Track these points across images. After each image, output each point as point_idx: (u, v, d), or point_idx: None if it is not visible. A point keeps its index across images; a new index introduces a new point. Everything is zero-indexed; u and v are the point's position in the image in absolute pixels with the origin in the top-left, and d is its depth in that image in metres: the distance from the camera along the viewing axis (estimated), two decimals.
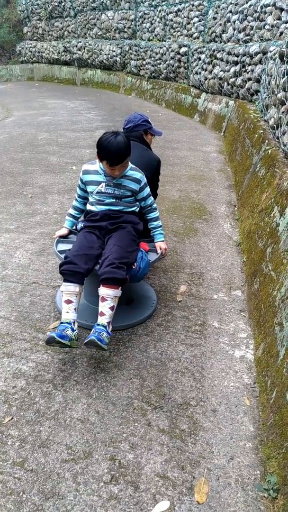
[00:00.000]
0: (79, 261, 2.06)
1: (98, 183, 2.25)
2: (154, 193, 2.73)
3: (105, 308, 2.04)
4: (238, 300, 2.67)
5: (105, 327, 2.01)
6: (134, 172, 2.26)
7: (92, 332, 1.98)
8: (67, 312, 2.05)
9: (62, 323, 2.03)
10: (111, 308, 2.05)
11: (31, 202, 4.13)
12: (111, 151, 2.06)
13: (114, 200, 2.26)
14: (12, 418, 1.77)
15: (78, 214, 2.48)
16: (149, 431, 1.73)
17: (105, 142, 2.07)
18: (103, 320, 2.03)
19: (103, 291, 2.03)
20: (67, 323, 2.02)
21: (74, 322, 2.05)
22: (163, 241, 2.44)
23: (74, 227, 2.51)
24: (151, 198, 2.39)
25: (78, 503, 1.45)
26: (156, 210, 2.44)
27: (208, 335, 2.34)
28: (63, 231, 2.47)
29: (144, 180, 2.30)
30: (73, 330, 2.02)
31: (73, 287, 2.05)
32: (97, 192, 2.25)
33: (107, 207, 2.27)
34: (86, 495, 1.48)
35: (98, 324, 2.01)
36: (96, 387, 1.94)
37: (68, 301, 2.06)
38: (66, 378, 1.99)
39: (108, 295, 2.03)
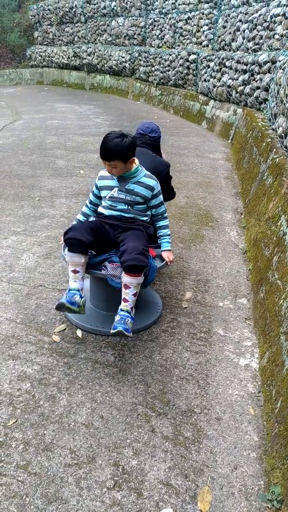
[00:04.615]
0: (83, 231, 2.12)
1: (111, 188, 2.28)
2: (170, 194, 2.85)
3: (129, 295, 2.11)
4: (243, 308, 2.67)
5: (129, 312, 2.10)
6: (147, 179, 2.27)
7: (117, 319, 2.06)
8: (75, 281, 2.16)
9: (70, 290, 2.13)
10: (134, 294, 2.12)
11: (38, 205, 4.16)
12: (101, 144, 2.15)
13: (125, 207, 2.28)
14: (16, 421, 1.77)
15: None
16: (153, 437, 1.73)
17: (106, 136, 2.15)
18: (127, 306, 2.11)
19: (127, 279, 2.09)
20: (76, 290, 2.13)
21: (81, 290, 2.15)
22: (169, 250, 2.45)
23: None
24: (163, 207, 2.41)
25: (81, 508, 1.45)
26: (166, 219, 2.45)
27: (213, 342, 2.34)
28: None
29: (158, 188, 2.31)
30: (81, 296, 2.13)
31: (78, 258, 2.13)
32: (110, 197, 2.29)
33: (119, 213, 2.30)
34: (89, 500, 1.48)
35: (122, 310, 2.10)
36: (100, 392, 1.94)
37: (75, 271, 2.15)
38: (71, 382, 1.99)
39: (131, 283, 2.09)
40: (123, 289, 2.11)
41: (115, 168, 2.18)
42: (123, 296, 2.12)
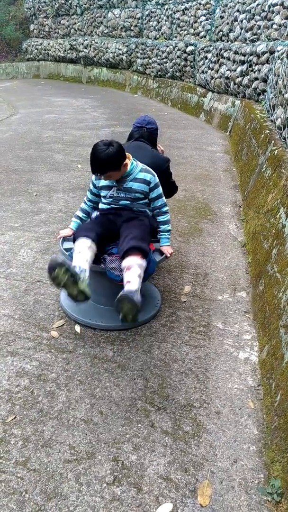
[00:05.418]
0: (93, 226, 2.16)
1: (109, 187, 2.27)
2: (172, 189, 2.81)
3: (132, 276, 1.88)
4: (242, 302, 2.65)
5: (135, 291, 1.83)
6: (143, 173, 2.24)
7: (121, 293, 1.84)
8: (77, 259, 2.00)
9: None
10: (139, 276, 1.90)
11: (36, 200, 4.13)
12: (90, 160, 2.10)
13: (128, 203, 2.28)
14: (15, 417, 1.76)
15: (85, 217, 2.47)
16: (153, 432, 1.72)
17: (92, 151, 2.09)
18: (131, 287, 1.85)
19: (128, 260, 1.94)
20: (78, 266, 1.96)
21: (85, 271, 1.96)
22: (168, 245, 2.43)
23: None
24: (162, 200, 2.38)
25: (80, 504, 1.45)
26: (166, 213, 2.43)
27: (213, 336, 2.33)
28: (68, 232, 2.45)
29: (155, 181, 2.29)
30: (81, 271, 1.93)
31: (85, 240, 2.05)
32: (110, 196, 2.28)
33: (123, 206, 2.29)
34: (89, 496, 1.47)
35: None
36: (99, 387, 1.93)
37: (79, 252, 2.04)
38: (69, 377, 1.98)
39: (134, 261, 1.94)
40: (125, 272, 1.93)
41: (111, 176, 2.17)
42: (125, 280, 1.91)
